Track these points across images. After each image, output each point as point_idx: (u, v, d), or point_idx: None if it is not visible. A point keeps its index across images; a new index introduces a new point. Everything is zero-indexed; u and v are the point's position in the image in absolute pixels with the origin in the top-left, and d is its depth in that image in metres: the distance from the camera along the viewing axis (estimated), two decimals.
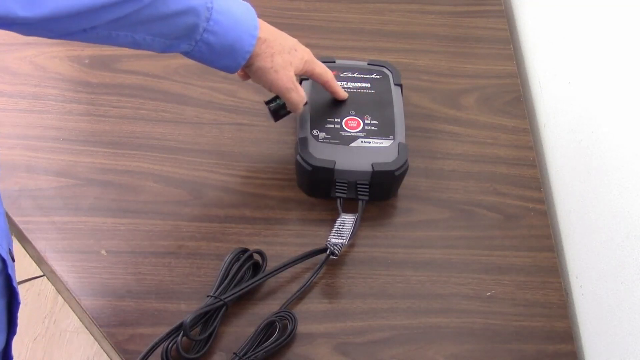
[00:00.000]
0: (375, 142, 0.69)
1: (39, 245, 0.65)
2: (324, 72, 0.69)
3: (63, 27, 0.50)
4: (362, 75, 0.75)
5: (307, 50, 0.68)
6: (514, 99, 0.85)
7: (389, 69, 0.77)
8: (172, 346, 0.56)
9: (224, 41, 0.58)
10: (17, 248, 0.72)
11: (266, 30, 0.62)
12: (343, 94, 0.72)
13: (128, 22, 0.52)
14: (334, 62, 0.77)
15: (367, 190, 0.68)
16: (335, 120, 0.71)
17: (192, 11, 0.54)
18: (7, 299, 0.49)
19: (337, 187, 0.68)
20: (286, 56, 0.64)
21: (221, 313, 0.59)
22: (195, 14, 0.55)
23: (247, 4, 0.61)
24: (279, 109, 0.69)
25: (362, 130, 0.70)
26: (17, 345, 1.28)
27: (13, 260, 0.51)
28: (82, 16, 0.49)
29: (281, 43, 0.63)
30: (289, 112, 0.70)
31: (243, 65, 0.61)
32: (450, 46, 0.92)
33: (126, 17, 0.51)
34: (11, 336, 0.52)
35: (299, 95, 0.66)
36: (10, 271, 0.48)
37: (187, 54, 0.59)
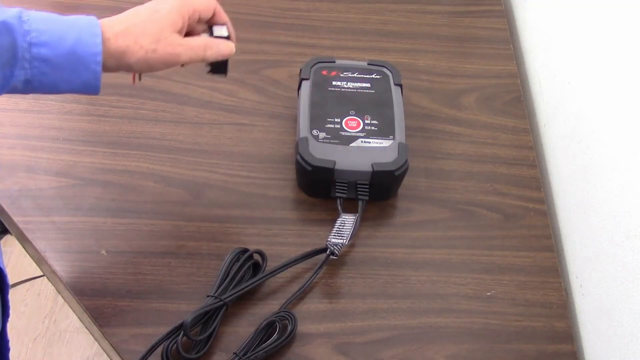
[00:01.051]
0: (375, 142, 0.69)
1: (39, 245, 0.65)
2: (206, 5, 0.58)
3: None
4: (362, 75, 0.75)
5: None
6: (514, 99, 0.85)
7: (389, 69, 0.77)
8: (172, 346, 0.56)
9: (61, 50, 0.50)
10: (17, 248, 0.72)
11: (113, 24, 0.53)
12: (225, 17, 0.61)
13: None
14: (334, 62, 0.77)
15: (367, 190, 0.68)
16: (335, 120, 0.70)
17: (1, 28, 0.47)
18: None
19: (337, 187, 0.68)
20: (151, 27, 0.54)
21: (221, 313, 0.59)
22: (7, 29, 0.47)
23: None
24: (216, 65, 0.61)
25: (362, 130, 0.70)
26: (17, 345, 1.28)
27: None
28: None
29: (136, 22, 0.54)
30: (224, 60, 0.61)
31: (101, 72, 0.52)
32: (450, 46, 0.92)
33: None
34: (5, 319, 0.51)
35: (196, 48, 0.56)
36: None
37: (29, 83, 0.50)
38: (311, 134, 0.69)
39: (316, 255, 0.65)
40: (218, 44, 0.58)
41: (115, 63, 0.54)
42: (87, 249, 0.65)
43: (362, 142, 0.69)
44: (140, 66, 0.55)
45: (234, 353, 0.57)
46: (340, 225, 0.66)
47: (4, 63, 0.48)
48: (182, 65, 0.59)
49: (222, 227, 0.68)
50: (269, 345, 0.58)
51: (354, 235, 0.66)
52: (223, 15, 0.61)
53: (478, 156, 0.78)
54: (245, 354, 0.57)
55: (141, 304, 0.62)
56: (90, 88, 0.53)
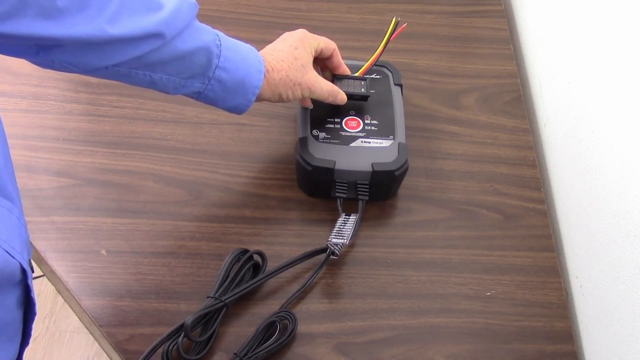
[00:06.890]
0: (375, 142, 0.69)
1: (39, 245, 0.65)
2: (327, 44, 0.68)
3: (88, 60, 0.51)
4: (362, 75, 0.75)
5: (300, 35, 0.66)
6: (514, 99, 0.85)
7: (389, 69, 0.77)
8: (172, 347, 0.56)
9: (235, 77, 0.59)
10: None
11: (269, 59, 0.62)
12: (345, 69, 0.71)
13: (149, 60, 0.53)
14: None
15: (367, 190, 0.68)
16: (335, 120, 0.71)
17: (205, 49, 0.56)
18: (24, 310, 0.49)
19: (337, 187, 0.68)
20: (296, 64, 0.63)
21: (222, 314, 0.59)
22: (208, 51, 0.56)
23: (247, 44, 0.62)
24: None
25: (362, 130, 0.70)
26: None
27: (33, 270, 0.50)
28: (109, 49, 0.50)
29: (283, 58, 0.63)
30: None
31: (254, 101, 0.61)
32: (450, 46, 0.92)
33: (148, 54, 0.52)
34: (24, 347, 0.51)
35: (325, 92, 0.66)
36: (29, 282, 0.48)
37: (199, 94, 0.59)
38: (311, 134, 0.69)
39: (316, 255, 0.65)
40: (336, 95, 0.67)
41: (269, 93, 0.62)
42: (87, 249, 0.65)
43: (362, 142, 0.69)
44: (287, 96, 0.64)
45: (235, 353, 0.57)
46: (341, 225, 0.66)
47: (192, 75, 0.57)
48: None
49: (222, 227, 0.68)
50: (269, 346, 0.58)
51: (354, 235, 0.66)
52: (338, 56, 0.70)
53: (478, 156, 0.78)
54: (245, 354, 0.57)
55: (141, 304, 0.62)
56: (238, 110, 0.62)
